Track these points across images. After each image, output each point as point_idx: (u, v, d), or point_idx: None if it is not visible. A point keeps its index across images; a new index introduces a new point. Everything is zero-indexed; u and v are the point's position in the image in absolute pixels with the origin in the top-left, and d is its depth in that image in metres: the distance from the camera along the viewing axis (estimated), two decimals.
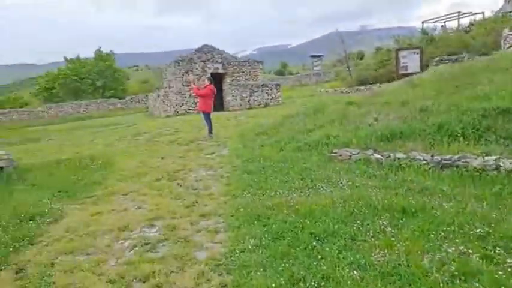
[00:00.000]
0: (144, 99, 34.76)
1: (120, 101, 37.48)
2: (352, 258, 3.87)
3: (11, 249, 4.92)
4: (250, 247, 4.35)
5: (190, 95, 21.73)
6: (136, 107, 35.19)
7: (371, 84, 25.20)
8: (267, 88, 22.46)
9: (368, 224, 4.65)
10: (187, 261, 4.26)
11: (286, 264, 3.88)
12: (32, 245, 5.10)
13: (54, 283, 4.03)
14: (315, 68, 40.35)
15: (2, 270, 4.40)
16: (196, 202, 6.21)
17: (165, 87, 22.90)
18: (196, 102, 21.53)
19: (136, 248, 4.71)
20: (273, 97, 22.45)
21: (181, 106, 21.79)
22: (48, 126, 26.65)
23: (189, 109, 21.85)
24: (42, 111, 34.99)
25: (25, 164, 10.04)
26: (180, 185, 7.28)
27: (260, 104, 22.07)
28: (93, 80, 43.90)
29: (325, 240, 4.34)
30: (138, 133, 14.98)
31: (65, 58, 47.05)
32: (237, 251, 4.31)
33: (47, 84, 45.16)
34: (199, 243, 4.70)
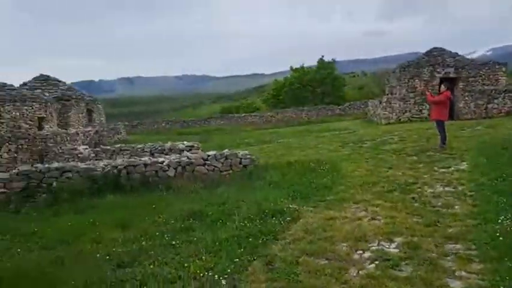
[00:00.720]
0: (362, 106, 34.76)
1: (339, 107, 38.54)
2: None
3: (260, 241, 5.47)
4: None
5: (415, 102, 20.47)
6: (354, 113, 35.50)
7: None
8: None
9: None
10: (437, 287, 3.83)
11: None
12: (276, 240, 5.55)
13: (301, 282, 4.22)
14: None
15: (255, 259, 4.90)
16: (438, 221, 5.62)
17: (387, 94, 22.25)
18: (421, 110, 20.19)
19: (377, 262, 4.53)
20: None
21: (404, 113, 20.74)
22: (276, 129, 29.56)
23: (412, 117, 20.59)
24: (271, 116, 39.25)
25: (262, 164, 11.24)
26: (416, 200, 6.77)
27: (500, 113, 18.96)
28: (314, 87, 46.67)
29: None
30: (360, 140, 14.92)
31: (291, 67, 51.52)
32: None
33: (274, 92, 50.70)
34: (449, 270, 4.19)
